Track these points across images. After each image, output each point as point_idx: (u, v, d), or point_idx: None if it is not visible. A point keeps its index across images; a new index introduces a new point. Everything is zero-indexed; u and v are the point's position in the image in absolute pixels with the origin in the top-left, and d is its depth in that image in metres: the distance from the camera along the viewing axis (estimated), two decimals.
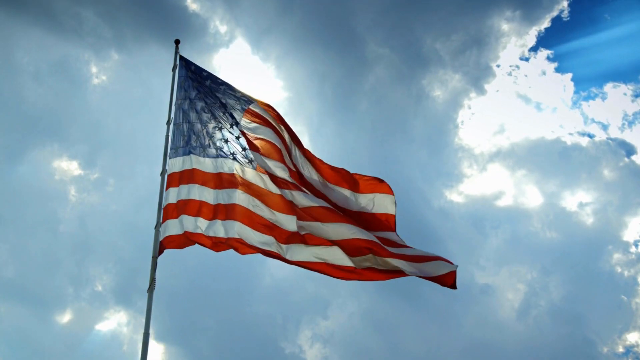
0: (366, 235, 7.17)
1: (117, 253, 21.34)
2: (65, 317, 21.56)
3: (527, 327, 22.50)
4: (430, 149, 27.57)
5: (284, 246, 7.30)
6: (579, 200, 27.33)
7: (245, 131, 7.95)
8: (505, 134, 29.88)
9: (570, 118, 30.78)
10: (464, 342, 21.12)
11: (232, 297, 21.08)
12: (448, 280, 6.99)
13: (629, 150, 28.48)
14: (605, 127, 29.96)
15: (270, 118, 8.09)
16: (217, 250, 7.48)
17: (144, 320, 6.80)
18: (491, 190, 28.82)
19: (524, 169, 28.65)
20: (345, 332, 21.79)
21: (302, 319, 21.84)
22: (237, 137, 7.92)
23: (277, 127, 8.06)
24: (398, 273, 7.15)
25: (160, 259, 7.26)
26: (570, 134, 29.84)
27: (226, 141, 7.94)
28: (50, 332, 20.64)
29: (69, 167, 24.05)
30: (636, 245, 25.60)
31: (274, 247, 7.33)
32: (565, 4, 27.38)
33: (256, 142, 7.92)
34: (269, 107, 8.18)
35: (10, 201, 21.54)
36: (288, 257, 7.27)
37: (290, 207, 7.40)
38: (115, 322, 21.97)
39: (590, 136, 29.55)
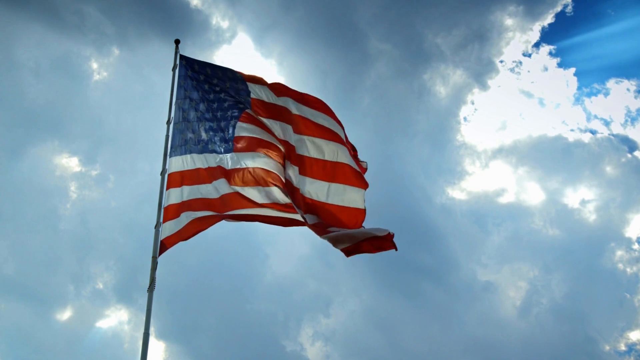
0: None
1: (118, 250, 21.37)
2: (66, 315, 21.61)
3: (528, 324, 22.55)
4: (433, 145, 27.61)
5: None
6: (581, 197, 27.37)
7: (240, 130, 8.09)
8: (507, 130, 29.87)
9: (572, 114, 30.74)
10: (465, 339, 21.18)
11: (233, 294, 21.14)
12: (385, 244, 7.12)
13: (632, 146, 28.48)
14: (607, 123, 29.85)
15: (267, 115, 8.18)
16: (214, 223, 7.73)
17: (144, 319, 6.79)
18: (493, 187, 28.87)
19: (526, 166, 28.65)
20: (346, 330, 21.86)
21: (304, 317, 21.93)
22: (232, 134, 8.04)
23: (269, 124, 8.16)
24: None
25: (161, 256, 7.25)
26: (573, 130, 29.87)
27: (224, 138, 7.99)
28: (50, 330, 20.68)
29: (70, 163, 24.03)
30: (639, 242, 25.60)
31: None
32: None
33: (247, 141, 8.07)
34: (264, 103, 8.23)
35: (10, 198, 21.51)
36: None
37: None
38: (116, 319, 22.01)
39: (593, 132, 29.42)
